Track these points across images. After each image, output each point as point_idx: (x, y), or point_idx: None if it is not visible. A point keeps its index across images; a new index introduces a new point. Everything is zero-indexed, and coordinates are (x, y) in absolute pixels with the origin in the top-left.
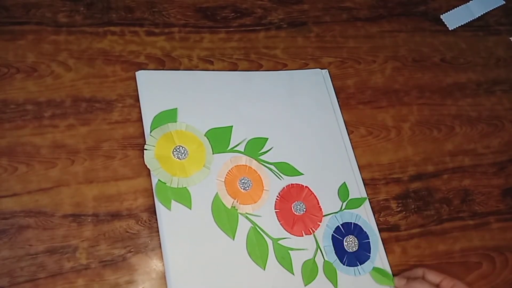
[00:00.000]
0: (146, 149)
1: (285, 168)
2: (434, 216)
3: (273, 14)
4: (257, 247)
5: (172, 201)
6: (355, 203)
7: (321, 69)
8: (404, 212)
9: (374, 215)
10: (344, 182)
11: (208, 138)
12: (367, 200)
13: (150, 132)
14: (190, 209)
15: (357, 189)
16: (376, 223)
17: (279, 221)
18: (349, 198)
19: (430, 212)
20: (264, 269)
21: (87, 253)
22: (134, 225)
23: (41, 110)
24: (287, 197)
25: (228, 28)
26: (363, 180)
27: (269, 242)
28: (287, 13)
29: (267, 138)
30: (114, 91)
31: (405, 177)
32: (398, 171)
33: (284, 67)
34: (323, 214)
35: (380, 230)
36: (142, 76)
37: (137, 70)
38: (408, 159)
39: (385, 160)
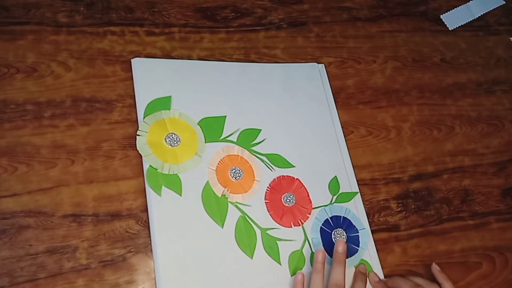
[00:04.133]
0: (138, 135)
1: (277, 160)
2: (434, 216)
3: (273, 14)
4: (245, 236)
5: (163, 187)
6: (346, 197)
7: (318, 63)
8: (404, 212)
9: (365, 209)
10: (335, 176)
11: (201, 127)
12: (359, 194)
13: (143, 118)
14: (181, 195)
15: (348, 184)
16: (367, 216)
17: (269, 212)
18: (339, 192)
19: (430, 212)
20: (252, 258)
21: (87, 253)
22: (134, 225)
23: (41, 110)
24: (277, 188)
25: (228, 28)
26: (355, 174)
27: (258, 232)
28: (287, 13)
29: (260, 130)
30: (114, 91)
31: (405, 177)
32: (398, 171)
33: None
34: (313, 206)
35: (380, 230)
36: (138, 64)
37: None
38: (408, 159)
39: (385, 160)
